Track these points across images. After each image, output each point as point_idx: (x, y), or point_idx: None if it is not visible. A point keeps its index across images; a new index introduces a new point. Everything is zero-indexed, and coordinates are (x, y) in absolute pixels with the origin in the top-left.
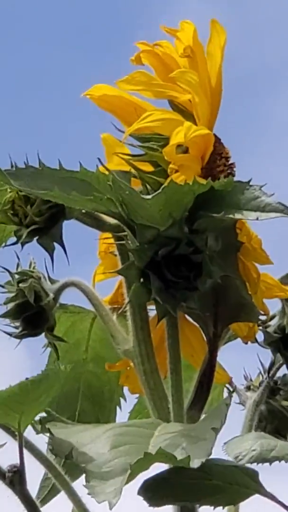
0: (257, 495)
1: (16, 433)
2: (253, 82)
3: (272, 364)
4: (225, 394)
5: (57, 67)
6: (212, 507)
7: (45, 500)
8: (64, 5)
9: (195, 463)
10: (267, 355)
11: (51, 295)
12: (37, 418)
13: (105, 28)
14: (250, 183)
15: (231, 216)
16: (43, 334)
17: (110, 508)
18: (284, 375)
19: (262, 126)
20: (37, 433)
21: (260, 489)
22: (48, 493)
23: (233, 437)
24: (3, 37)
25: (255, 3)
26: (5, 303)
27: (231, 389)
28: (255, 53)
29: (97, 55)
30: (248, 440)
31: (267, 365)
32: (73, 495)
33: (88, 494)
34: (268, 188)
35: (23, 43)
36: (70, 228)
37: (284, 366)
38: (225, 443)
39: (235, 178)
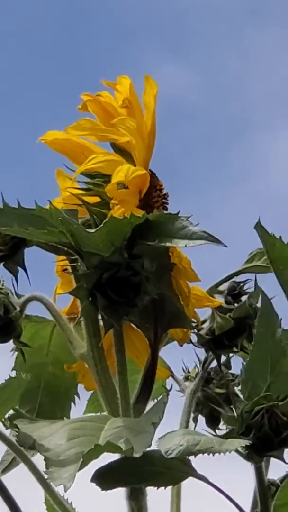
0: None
1: None
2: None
3: (206, 360)
4: (168, 384)
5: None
6: (156, 488)
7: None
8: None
9: (137, 453)
10: (202, 349)
11: (18, 308)
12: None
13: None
14: (179, 215)
15: (163, 244)
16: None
17: (65, 491)
18: (216, 367)
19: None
20: (6, 428)
21: (193, 473)
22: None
23: (165, 434)
24: None
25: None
26: None
27: (171, 384)
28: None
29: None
30: (177, 436)
31: (202, 358)
32: (43, 481)
33: (47, 479)
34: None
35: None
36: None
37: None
38: (159, 439)
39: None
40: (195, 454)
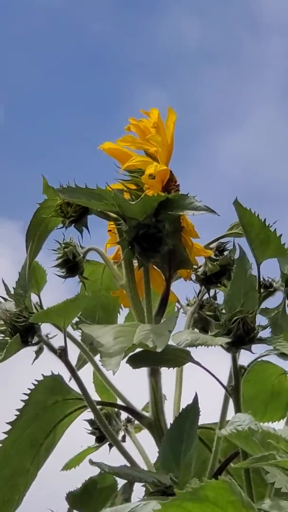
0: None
1: (62, 328)
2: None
3: (200, 292)
4: (176, 308)
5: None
6: (167, 368)
7: (78, 367)
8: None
9: (159, 349)
10: (197, 285)
11: (81, 255)
12: (74, 321)
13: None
14: (189, 195)
15: (178, 213)
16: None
17: (113, 374)
18: (208, 297)
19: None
20: (74, 329)
21: (191, 359)
22: (82, 363)
23: (177, 332)
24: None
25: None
26: (57, 259)
27: (179, 306)
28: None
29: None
30: (185, 334)
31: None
32: (94, 362)
33: (101, 365)
34: None
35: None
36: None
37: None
38: (172, 335)
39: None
40: (196, 345)
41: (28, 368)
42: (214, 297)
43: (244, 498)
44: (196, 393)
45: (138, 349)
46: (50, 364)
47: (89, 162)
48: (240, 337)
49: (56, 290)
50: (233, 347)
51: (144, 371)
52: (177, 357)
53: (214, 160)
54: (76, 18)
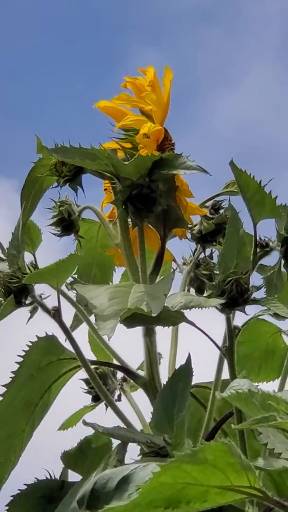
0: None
1: (56, 288)
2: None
3: (195, 250)
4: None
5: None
6: (162, 327)
7: (74, 327)
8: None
9: (154, 313)
10: (193, 244)
11: (77, 213)
12: (68, 281)
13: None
14: (182, 154)
15: (171, 172)
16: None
17: (108, 339)
18: (204, 256)
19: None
20: (69, 289)
21: (186, 319)
22: (77, 323)
23: (171, 294)
24: None
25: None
26: (52, 218)
27: (176, 265)
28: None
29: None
30: (178, 296)
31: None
32: (89, 322)
33: (97, 329)
34: None
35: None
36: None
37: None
38: (167, 297)
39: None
40: (190, 307)
41: (24, 329)
42: (210, 256)
43: (243, 460)
44: (189, 354)
45: None
46: (47, 327)
47: (84, 121)
48: (234, 298)
49: (52, 248)
50: (227, 308)
51: (139, 331)
52: (172, 317)
53: (210, 119)
54: None
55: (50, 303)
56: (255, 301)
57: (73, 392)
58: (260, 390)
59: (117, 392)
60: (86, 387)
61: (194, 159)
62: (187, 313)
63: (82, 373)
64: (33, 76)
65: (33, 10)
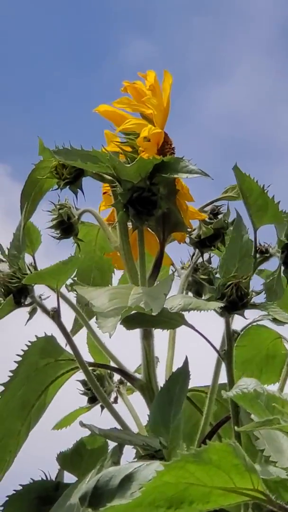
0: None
1: (55, 290)
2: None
3: (194, 255)
4: (170, 271)
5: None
6: (161, 330)
7: (74, 332)
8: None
9: (155, 312)
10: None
11: (76, 217)
12: (68, 283)
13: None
14: (183, 158)
15: (172, 176)
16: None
17: (110, 337)
18: (202, 261)
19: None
20: (69, 291)
21: (185, 322)
22: (78, 327)
23: (170, 296)
24: None
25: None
26: (51, 221)
27: (174, 269)
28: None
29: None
30: (178, 298)
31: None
32: (87, 324)
33: (97, 327)
34: None
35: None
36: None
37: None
38: (167, 299)
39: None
40: (189, 310)
41: (24, 329)
42: (209, 261)
43: (247, 461)
44: (186, 357)
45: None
46: (46, 328)
47: (75, 111)
48: (234, 302)
49: (49, 251)
50: (226, 311)
51: (137, 334)
52: (172, 320)
53: (199, 113)
54: None
55: (49, 305)
56: (255, 306)
57: (67, 393)
58: (265, 391)
59: (113, 395)
60: (83, 389)
61: (195, 163)
62: (186, 316)
63: (78, 375)
64: (25, 65)
65: (24, 3)
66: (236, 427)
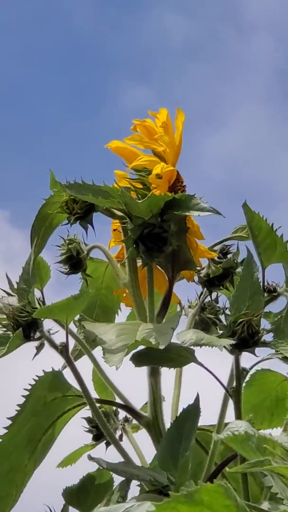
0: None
1: (64, 325)
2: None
3: (201, 294)
4: (177, 309)
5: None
6: (168, 368)
7: (77, 357)
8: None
9: (162, 346)
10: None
11: (85, 252)
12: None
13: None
14: (195, 196)
15: (183, 213)
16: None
17: (117, 369)
18: (210, 300)
19: None
20: (76, 326)
21: (194, 359)
22: (75, 356)
23: (181, 331)
24: None
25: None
26: (60, 255)
27: (181, 308)
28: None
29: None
30: (190, 333)
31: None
32: (94, 360)
33: (104, 362)
34: None
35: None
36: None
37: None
38: (177, 334)
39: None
40: (201, 345)
41: (27, 363)
42: (216, 300)
43: (239, 502)
44: (197, 394)
45: (141, 347)
46: (48, 360)
47: (75, 157)
48: (245, 339)
49: (52, 285)
50: (237, 349)
51: (143, 372)
52: (180, 357)
53: (197, 158)
54: (60, 13)
55: (56, 339)
56: (265, 344)
57: (70, 431)
58: (256, 432)
59: (118, 432)
60: (88, 426)
61: (207, 201)
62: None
63: (83, 412)
64: (24, 111)
65: (24, 46)
66: (227, 468)
